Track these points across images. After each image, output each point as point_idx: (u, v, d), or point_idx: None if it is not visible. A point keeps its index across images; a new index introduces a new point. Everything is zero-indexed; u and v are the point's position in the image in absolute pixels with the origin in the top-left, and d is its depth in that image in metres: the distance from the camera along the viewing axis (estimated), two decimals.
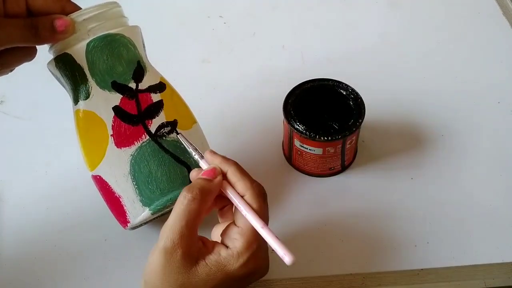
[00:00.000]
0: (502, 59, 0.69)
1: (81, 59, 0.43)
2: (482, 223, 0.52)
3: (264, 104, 0.63)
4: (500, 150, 0.59)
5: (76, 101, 0.45)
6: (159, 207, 0.46)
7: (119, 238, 0.52)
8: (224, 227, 0.41)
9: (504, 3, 0.76)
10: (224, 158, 0.41)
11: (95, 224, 0.53)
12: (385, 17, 0.76)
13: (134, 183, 0.45)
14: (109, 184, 0.46)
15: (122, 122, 0.45)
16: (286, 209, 0.54)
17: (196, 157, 0.43)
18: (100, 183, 0.46)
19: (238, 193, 0.40)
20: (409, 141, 0.60)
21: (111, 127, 0.45)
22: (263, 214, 0.39)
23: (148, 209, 0.46)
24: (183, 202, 0.38)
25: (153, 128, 0.46)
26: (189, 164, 0.47)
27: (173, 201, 0.46)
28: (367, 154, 0.59)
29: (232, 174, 0.40)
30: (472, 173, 0.57)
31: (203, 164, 0.42)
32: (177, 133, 0.46)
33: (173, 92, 0.49)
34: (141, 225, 0.48)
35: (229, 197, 0.40)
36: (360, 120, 0.52)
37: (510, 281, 0.49)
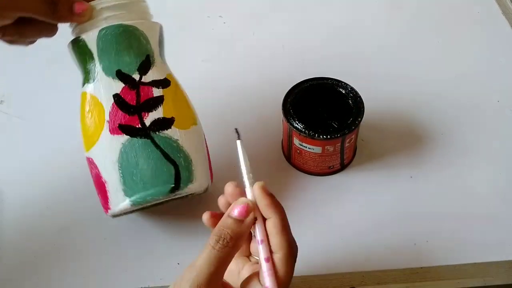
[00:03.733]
0: (502, 59, 0.69)
1: (92, 44, 0.45)
2: (481, 222, 0.52)
3: (264, 104, 0.64)
4: (500, 149, 0.59)
5: (84, 83, 0.47)
6: (139, 200, 0.45)
7: (119, 237, 0.52)
8: (247, 264, 0.40)
9: (504, 3, 0.77)
10: (273, 201, 0.37)
11: (95, 223, 0.53)
12: (385, 16, 0.76)
13: (120, 171, 0.45)
14: (98, 168, 0.46)
15: (119, 110, 0.46)
16: (286, 208, 0.53)
17: (245, 180, 0.38)
18: (91, 165, 0.47)
19: (270, 248, 0.36)
20: (409, 140, 0.60)
21: (108, 113, 0.45)
22: (286, 282, 0.36)
23: (128, 199, 0.45)
24: (214, 247, 0.35)
25: (148, 121, 0.46)
26: (177, 164, 0.46)
27: (153, 198, 0.45)
28: (366, 153, 0.59)
29: (272, 225, 0.36)
30: (472, 172, 0.57)
31: (248, 191, 0.38)
32: (238, 137, 0.39)
33: (178, 90, 0.49)
34: (121, 214, 0.48)
35: (258, 250, 0.37)
36: (359, 119, 0.52)
37: (509, 279, 0.49)
